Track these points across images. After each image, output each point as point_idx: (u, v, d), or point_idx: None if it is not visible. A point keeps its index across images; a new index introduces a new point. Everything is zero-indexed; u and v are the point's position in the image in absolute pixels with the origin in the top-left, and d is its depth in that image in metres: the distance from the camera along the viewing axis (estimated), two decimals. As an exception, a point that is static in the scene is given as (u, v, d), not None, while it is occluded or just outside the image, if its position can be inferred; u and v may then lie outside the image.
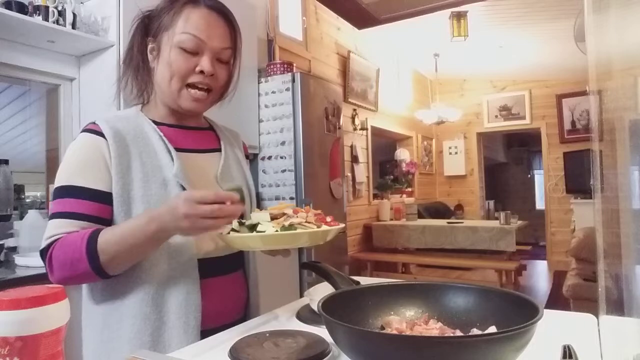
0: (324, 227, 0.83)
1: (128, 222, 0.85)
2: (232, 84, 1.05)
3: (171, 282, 0.89)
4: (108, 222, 0.89)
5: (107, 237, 0.82)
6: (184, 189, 0.91)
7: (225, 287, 0.98)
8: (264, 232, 0.80)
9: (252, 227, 0.82)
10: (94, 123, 0.92)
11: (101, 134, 0.90)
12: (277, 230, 0.79)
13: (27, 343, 0.46)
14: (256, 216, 0.84)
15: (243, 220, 0.86)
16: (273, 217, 0.83)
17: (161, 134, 0.96)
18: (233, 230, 0.84)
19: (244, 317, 1.02)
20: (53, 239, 0.85)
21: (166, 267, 0.89)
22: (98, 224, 0.87)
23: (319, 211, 0.88)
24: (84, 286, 0.94)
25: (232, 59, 1.01)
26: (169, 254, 0.89)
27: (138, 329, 0.86)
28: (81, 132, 0.92)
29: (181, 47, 0.92)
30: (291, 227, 0.80)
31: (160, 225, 0.80)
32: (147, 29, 0.99)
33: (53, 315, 0.48)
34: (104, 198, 0.88)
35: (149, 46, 0.97)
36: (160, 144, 0.94)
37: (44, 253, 0.85)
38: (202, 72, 0.93)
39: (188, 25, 0.92)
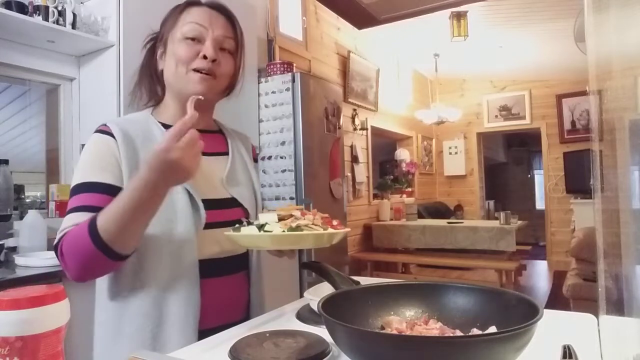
0: (331, 230, 0.85)
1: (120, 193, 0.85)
2: (240, 76, 1.06)
3: (172, 283, 0.91)
4: None
5: (104, 211, 0.80)
6: (189, 192, 0.93)
7: (226, 287, 0.99)
8: (271, 232, 0.81)
9: (260, 227, 0.83)
10: (105, 125, 0.95)
11: (111, 135, 0.93)
12: (284, 231, 0.80)
13: (27, 343, 0.46)
14: (264, 217, 0.85)
15: (251, 221, 0.88)
16: (280, 219, 0.85)
17: None
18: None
19: (245, 317, 1.03)
20: (65, 231, 0.85)
21: (168, 269, 0.91)
22: None
23: (325, 215, 0.90)
24: (97, 282, 0.95)
25: (237, 51, 1.03)
26: (170, 258, 0.90)
27: (139, 327, 0.89)
28: (93, 133, 0.95)
29: (185, 37, 0.96)
30: (298, 228, 0.81)
31: (147, 176, 0.77)
32: (155, 46, 1.04)
33: (53, 315, 0.48)
34: (116, 192, 0.86)
35: (158, 52, 1.02)
36: None
37: (57, 248, 0.85)
38: (205, 57, 0.95)
39: (189, 17, 0.98)
